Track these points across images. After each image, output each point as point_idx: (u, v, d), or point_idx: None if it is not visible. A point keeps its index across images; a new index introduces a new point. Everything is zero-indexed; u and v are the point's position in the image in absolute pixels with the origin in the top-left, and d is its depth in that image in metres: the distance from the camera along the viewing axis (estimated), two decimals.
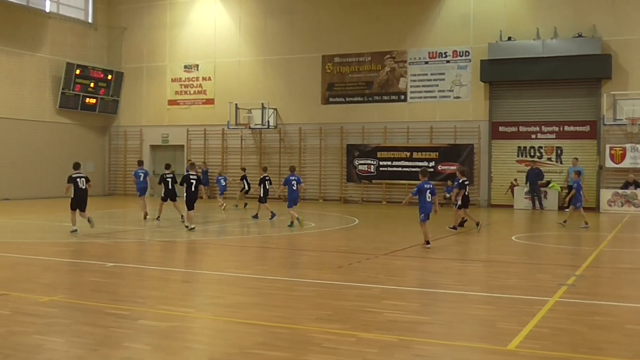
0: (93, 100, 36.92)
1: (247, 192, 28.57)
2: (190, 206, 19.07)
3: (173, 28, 37.37)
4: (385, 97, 33.03)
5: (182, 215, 20.40)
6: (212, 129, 36.15)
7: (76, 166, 18.69)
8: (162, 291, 10.54)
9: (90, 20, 37.84)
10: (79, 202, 18.21)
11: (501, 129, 31.03)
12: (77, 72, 35.67)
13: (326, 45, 33.92)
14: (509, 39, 30.27)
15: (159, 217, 21.96)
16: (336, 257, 14.19)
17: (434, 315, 8.84)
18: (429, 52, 32.11)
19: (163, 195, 21.61)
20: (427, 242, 15.48)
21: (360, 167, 33.12)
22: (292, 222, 20.13)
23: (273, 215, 22.43)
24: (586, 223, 21.01)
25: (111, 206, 29.14)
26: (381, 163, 32.55)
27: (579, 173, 22.40)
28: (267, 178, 23.31)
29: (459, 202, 19.92)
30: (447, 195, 30.86)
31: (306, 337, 7.46)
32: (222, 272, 12.36)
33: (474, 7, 31.35)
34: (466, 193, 20.00)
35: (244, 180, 28.39)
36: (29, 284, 10.73)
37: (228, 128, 34.78)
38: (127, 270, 12.50)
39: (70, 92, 35.59)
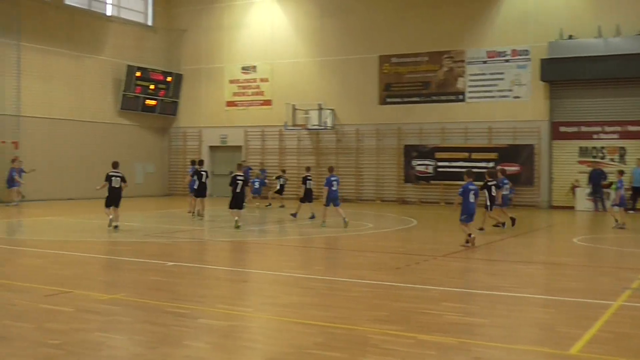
0: (153, 102, 37.52)
1: (278, 192, 29.06)
2: (239, 206, 19.53)
3: (231, 30, 37.71)
4: (443, 97, 32.76)
5: (198, 210, 22.20)
6: (270, 129, 36.35)
7: (115, 165, 19.54)
8: (221, 290, 10.63)
9: (150, 23, 38.46)
10: (112, 199, 19.06)
11: (562, 129, 30.46)
12: (138, 74, 36.30)
13: (383, 46, 33.79)
14: (570, 37, 29.69)
15: (192, 212, 23.09)
16: (394, 258, 14.11)
17: (493, 317, 8.71)
18: (488, 52, 31.71)
19: (196, 190, 22.67)
20: (467, 242, 15.62)
21: (418, 167, 32.90)
22: (324, 222, 20.54)
23: (313, 216, 22.55)
24: (616, 221, 20.92)
25: (170, 206, 29.54)
26: (439, 164, 32.29)
27: (622, 172, 22.22)
28: (309, 178, 23.34)
29: (487, 203, 19.77)
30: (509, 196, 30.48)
31: (364, 338, 7.43)
32: (280, 272, 12.40)
33: (534, 5, 30.83)
34: (492, 194, 19.76)
35: (279, 180, 29.08)
36: (91, 282, 10.94)
37: (285, 129, 34.92)
38: (187, 270, 12.65)
39: (131, 94, 36.23)
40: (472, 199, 15.62)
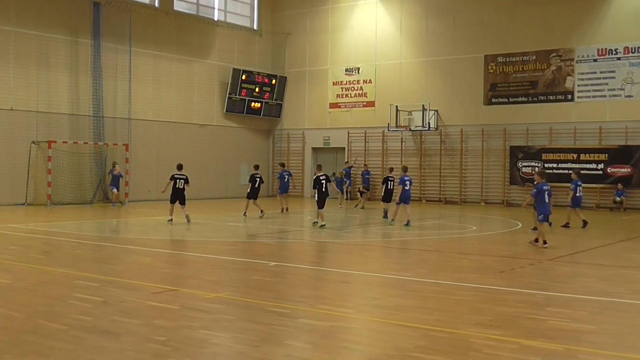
0: (258, 105, 38.16)
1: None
2: (321, 205, 20.14)
3: (335, 32, 37.91)
4: (550, 97, 31.87)
5: (261, 210, 23.33)
6: (373, 131, 36.32)
7: (179, 167, 21.51)
8: (322, 291, 10.67)
9: (255, 27, 39.14)
10: (175, 198, 20.92)
11: None
12: (243, 77, 37.02)
13: (489, 45, 33.19)
14: None
15: (283, 208, 25.39)
16: (498, 262, 13.82)
17: (602, 324, 8.38)
18: (598, 49, 30.64)
19: (249, 193, 23.90)
20: (545, 242, 15.67)
21: (524, 169, 32.13)
22: (392, 220, 21.21)
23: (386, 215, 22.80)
24: None
25: (274, 207, 29.91)
26: (546, 165, 31.42)
27: None
28: (390, 178, 23.16)
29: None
30: (618, 199, 29.41)
31: (466, 342, 7.30)
32: (381, 274, 12.34)
33: None
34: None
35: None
36: (197, 281, 11.19)
37: (388, 130, 34.80)
38: (289, 270, 12.77)
39: (237, 96, 36.97)
40: (546, 199, 15.98)
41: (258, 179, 24.06)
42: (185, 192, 21.04)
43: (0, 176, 28.16)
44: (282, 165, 28.83)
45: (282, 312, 8.69)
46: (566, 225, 20.64)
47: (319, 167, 21.71)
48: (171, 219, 20.67)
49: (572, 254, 14.84)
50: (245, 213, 23.56)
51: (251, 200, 23.73)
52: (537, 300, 9.74)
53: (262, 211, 23.41)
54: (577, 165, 29.79)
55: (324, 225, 19.79)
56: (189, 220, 20.52)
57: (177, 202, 20.90)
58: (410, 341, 7.38)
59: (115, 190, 29.32)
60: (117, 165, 29.65)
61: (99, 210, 27.30)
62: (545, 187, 16.05)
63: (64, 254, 14.70)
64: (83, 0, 30.76)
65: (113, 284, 10.59)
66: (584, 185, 22.23)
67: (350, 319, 8.65)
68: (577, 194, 20.49)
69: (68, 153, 29.78)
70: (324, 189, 20.37)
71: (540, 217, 15.95)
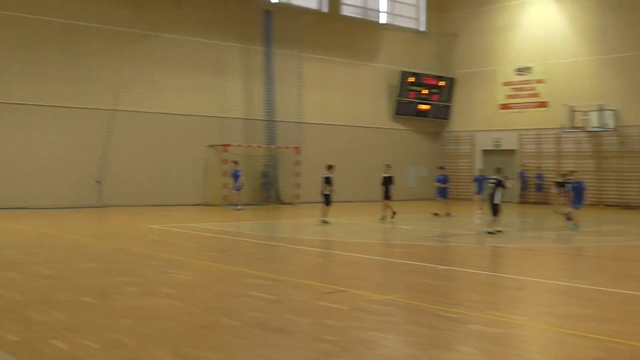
0: (426, 107, 37.96)
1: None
2: (495, 212, 18.82)
3: (504, 31, 36.97)
4: None
5: (394, 212, 22.82)
6: (546, 132, 35.02)
7: (329, 168, 22.35)
8: (493, 297, 10.41)
9: (422, 29, 38.94)
10: (325, 200, 21.83)
11: None
12: (411, 79, 36.96)
13: None
14: None
15: (393, 214, 23.27)
16: None
17: None
18: None
19: (385, 195, 23.63)
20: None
21: None
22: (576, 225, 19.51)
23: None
24: None
25: (442, 210, 29.60)
26: None
27: None
28: (570, 181, 21.55)
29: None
30: None
31: None
32: (555, 281, 11.87)
33: None
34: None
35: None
36: (365, 282, 11.25)
37: (563, 132, 33.45)
38: (458, 274, 12.57)
39: (404, 99, 36.96)
40: None
41: (389, 178, 23.71)
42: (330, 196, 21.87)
43: (179, 178, 29.78)
44: (442, 167, 28.30)
45: (451, 316, 8.55)
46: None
47: (498, 171, 19.66)
48: (326, 221, 21.12)
49: None
50: (437, 213, 24.49)
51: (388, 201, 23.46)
52: None
53: (394, 213, 23.00)
54: None
55: (500, 231, 18.61)
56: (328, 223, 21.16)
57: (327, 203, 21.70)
58: (588, 352, 7.03)
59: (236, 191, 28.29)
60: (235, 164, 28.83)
61: (272, 211, 28.17)
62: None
63: (239, 253, 15.27)
64: (255, 8, 31.94)
65: (285, 283, 10.87)
66: None
67: (523, 327, 8.37)
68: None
69: (242, 156, 30.95)
70: (494, 195, 18.93)
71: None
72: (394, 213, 23.00)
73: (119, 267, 12.25)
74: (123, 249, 14.81)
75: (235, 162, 28.69)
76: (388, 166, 24.61)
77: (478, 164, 36.47)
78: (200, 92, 30.55)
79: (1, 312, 8.36)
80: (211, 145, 30.50)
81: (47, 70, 26.97)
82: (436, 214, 25.35)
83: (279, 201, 32.02)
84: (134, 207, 27.65)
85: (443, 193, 26.57)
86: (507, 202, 28.17)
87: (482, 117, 37.85)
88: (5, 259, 13.00)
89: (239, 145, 30.64)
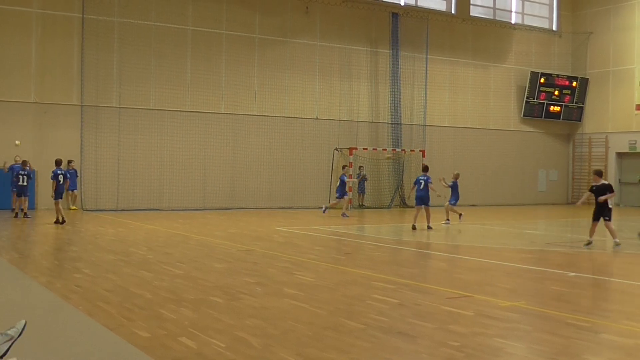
0: (557, 108, 36.86)
1: None
2: (598, 217, 16.90)
3: None
4: None
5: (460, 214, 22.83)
6: None
7: (424, 169, 21.92)
8: (628, 306, 9.96)
9: (554, 28, 37.82)
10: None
11: None
12: (541, 80, 36.01)
13: None
14: None
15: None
16: None
17: None
18: None
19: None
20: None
21: None
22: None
23: None
24: None
25: (574, 214, 28.62)
26: None
27: None
28: None
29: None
30: None
31: None
32: None
33: None
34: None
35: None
36: (492, 288, 11.03)
37: None
38: (590, 281, 12.12)
39: (535, 100, 36.03)
40: None
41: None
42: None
43: (307, 181, 30.24)
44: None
45: (581, 325, 8.25)
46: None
47: (599, 173, 17.64)
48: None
49: None
50: None
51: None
52: None
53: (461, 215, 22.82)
54: None
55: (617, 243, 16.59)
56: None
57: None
58: None
59: (346, 197, 26.55)
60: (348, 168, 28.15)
61: (397, 215, 28.10)
62: None
63: (363, 255, 15.33)
64: (382, 11, 31.99)
65: (409, 286, 10.81)
66: None
67: None
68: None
69: (368, 159, 31.07)
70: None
71: None
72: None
73: (246, 268, 12.55)
74: (250, 250, 15.17)
75: (360, 167, 28.90)
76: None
77: (612, 167, 35.11)
78: (328, 96, 30.90)
79: (134, 310, 8.73)
80: (337, 149, 30.77)
81: (180, 77, 28.05)
82: None
83: (403, 204, 31.91)
84: (260, 210, 28.30)
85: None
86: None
87: (618, 119, 36.30)
88: (139, 258, 13.59)
89: (365, 149, 30.77)
